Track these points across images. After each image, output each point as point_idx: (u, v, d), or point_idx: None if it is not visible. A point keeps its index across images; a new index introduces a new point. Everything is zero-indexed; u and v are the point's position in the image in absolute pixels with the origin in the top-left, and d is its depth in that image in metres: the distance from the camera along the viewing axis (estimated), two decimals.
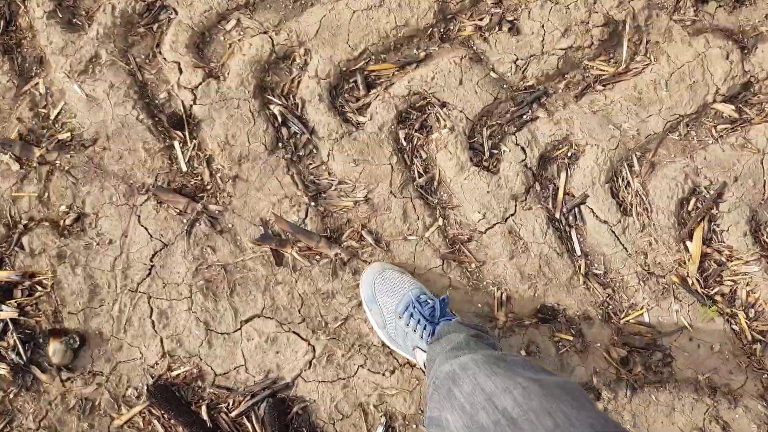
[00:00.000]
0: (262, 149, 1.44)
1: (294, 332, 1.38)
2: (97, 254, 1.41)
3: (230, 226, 1.43)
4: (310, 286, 1.40)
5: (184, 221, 1.42)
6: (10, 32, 1.51)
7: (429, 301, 1.24)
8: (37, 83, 1.48)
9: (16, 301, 1.38)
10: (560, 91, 1.53)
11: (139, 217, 1.42)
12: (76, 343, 1.36)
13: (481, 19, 1.53)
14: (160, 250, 1.41)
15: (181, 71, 1.46)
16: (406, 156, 1.47)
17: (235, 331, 1.38)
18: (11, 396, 1.35)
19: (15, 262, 1.40)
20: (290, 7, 1.51)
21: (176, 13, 1.48)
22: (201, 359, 1.37)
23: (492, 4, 1.55)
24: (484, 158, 1.48)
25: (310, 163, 1.46)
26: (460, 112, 1.47)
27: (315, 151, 1.46)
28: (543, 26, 1.50)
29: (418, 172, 1.46)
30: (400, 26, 1.48)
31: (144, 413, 1.35)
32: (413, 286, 1.29)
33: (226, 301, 1.39)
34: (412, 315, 1.22)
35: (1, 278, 1.39)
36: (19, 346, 1.37)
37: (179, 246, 1.40)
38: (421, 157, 1.47)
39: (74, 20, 1.50)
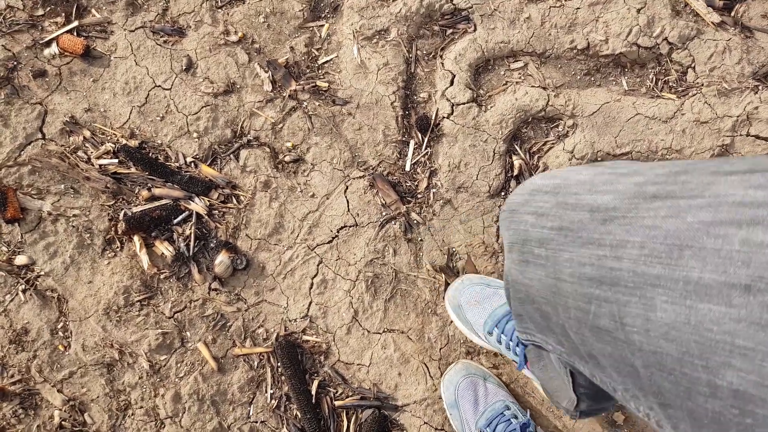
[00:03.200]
0: (485, 189, 1.46)
1: (426, 365, 1.39)
2: (297, 200, 1.47)
3: (420, 239, 1.45)
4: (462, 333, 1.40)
5: (383, 213, 1.46)
6: None
7: (512, 419, 1.21)
8: (322, 25, 1.57)
9: (209, 201, 1.47)
10: None
11: (347, 188, 1.47)
12: (242, 264, 1.43)
13: None
14: (350, 226, 1.45)
15: (452, 83, 1.50)
16: None
17: (376, 333, 1.40)
18: (162, 277, 1.43)
19: (224, 167, 1.49)
20: (578, 77, 1.52)
21: (475, 30, 1.53)
22: (334, 340, 1.40)
23: None
24: None
25: None
26: None
27: None
28: None
29: None
30: (674, 149, 1.46)
31: (263, 356, 1.39)
32: (498, 396, 1.26)
33: (383, 302, 1.41)
34: None
35: (207, 174, 1.48)
36: (191, 240, 1.44)
37: (368, 232, 1.44)
38: None
39: None
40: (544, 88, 1.50)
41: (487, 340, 1.29)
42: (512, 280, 0.69)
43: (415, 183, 1.49)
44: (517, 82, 1.52)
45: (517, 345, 1.19)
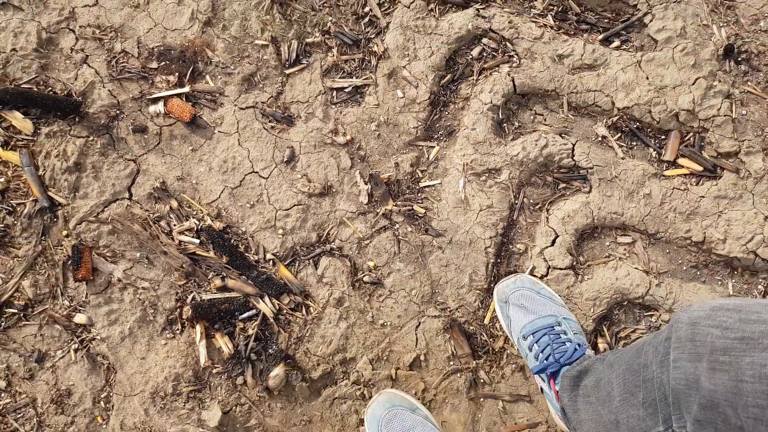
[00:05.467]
0: None
1: None
2: (366, 324, 1.43)
3: (482, 401, 1.40)
4: None
5: (451, 363, 1.41)
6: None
7: None
8: (432, 147, 1.53)
9: (279, 304, 1.43)
10: None
11: (419, 324, 1.43)
12: (298, 381, 1.40)
13: None
14: (413, 368, 1.41)
15: (553, 243, 1.45)
16: None
17: None
18: (214, 371, 1.40)
19: (301, 271, 1.46)
20: (684, 267, 1.46)
21: (589, 191, 1.47)
22: None
23: None
24: None
25: None
26: None
27: None
28: None
29: None
30: None
31: None
32: (425, 428, 1.28)
33: None
34: None
35: (283, 276, 1.45)
36: (251, 340, 1.42)
37: (430, 378, 1.40)
38: None
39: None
40: (647, 272, 1.44)
41: (518, 344, 1.36)
42: (702, 388, 0.76)
43: (492, 339, 1.44)
44: (620, 258, 1.46)
45: (551, 377, 1.27)
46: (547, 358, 1.29)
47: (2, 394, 1.40)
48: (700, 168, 1.47)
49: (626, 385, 0.95)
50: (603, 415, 1.03)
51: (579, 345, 1.28)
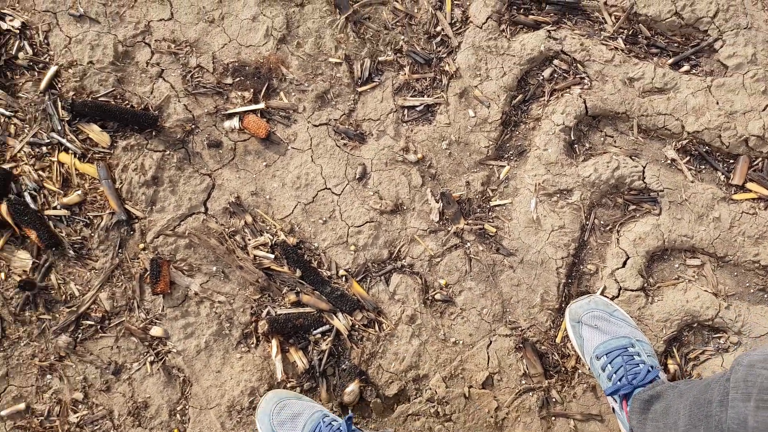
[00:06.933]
0: None
1: None
2: (438, 342, 1.45)
3: (553, 418, 1.42)
4: None
5: (523, 382, 1.43)
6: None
7: (333, 422, 1.29)
8: (503, 166, 1.55)
9: (352, 320, 1.46)
10: None
11: (490, 343, 1.46)
12: (372, 397, 1.42)
13: None
14: (485, 386, 1.43)
15: (624, 265, 1.47)
16: None
17: None
18: (288, 386, 1.43)
19: (372, 288, 1.48)
20: (752, 290, 1.49)
21: (659, 214, 1.50)
22: None
23: None
24: None
25: None
26: None
27: None
28: None
29: None
30: None
31: None
32: (314, 409, 1.33)
33: None
34: None
35: (356, 292, 1.47)
36: (324, 355, 1.44)
37: (503, 397, 1.42)
38: None
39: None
40: (716, 295, 1.46)
41: (591, 363, 1.39)
42: (748, 427, 0.83)
43: (563, 359, 1.46)
44: (689, 281, 1.48)
45: (623, 399, 1.30)
46: (620, 380, 1.31)
47: (80, 406, 1.42)
48: None
49: (691, 418, 1.01)
50: None
51: (652, 367, 1.31)
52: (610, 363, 1.34)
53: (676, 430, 1.05)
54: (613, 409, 1.38)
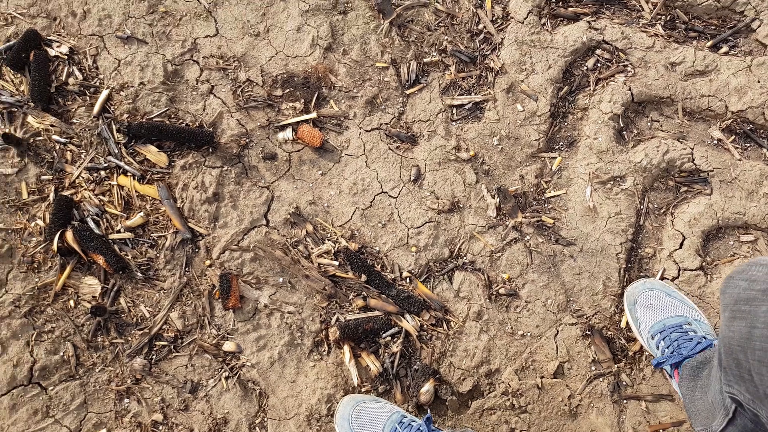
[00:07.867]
0: None
1: None
2: (506, 335, 1.48)
3: (625, 402, 1.46)
4: None
5: (593, 369, 1.46)
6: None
7: (412, 423, 1.30)
8: (554, 157, 1.58)
9: (420, 321, 1.48)
10: None
11: (557, 332, 1.48)
12: (448, 395, 1.44)
13: None
14: (557, 376, 1.46)
15: (681, 246, 1.51)
16: None
17: None
18: (362, 390, 1.44)
19: (436, 287, 1.50)
20: None
21: (711, 194, 1.53)
22: None
23: None
24: None
25: None
26: None
27: None
28: None
29: None
30: None
31: None
32: (391, 411, 1.34)
33: None
34: None
35: (422, 293, 1.50)
36: (396, 357, 1.46)
37: (574, 384, 1.45)
38: None
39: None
40: None
41: (647, 343, 1.40)
42: (722, 336, 0.83)
43: (629, 343, 1.49)
44: (744, 256, 1.52)
45: (674, 366, 1.30)
46: (671, 352, 1.32)
47: (160, 427, 1.43)
48: None
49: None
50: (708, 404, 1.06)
51: (704, 337, 1.31)
52: (663, 340, 1.35)
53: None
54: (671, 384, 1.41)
